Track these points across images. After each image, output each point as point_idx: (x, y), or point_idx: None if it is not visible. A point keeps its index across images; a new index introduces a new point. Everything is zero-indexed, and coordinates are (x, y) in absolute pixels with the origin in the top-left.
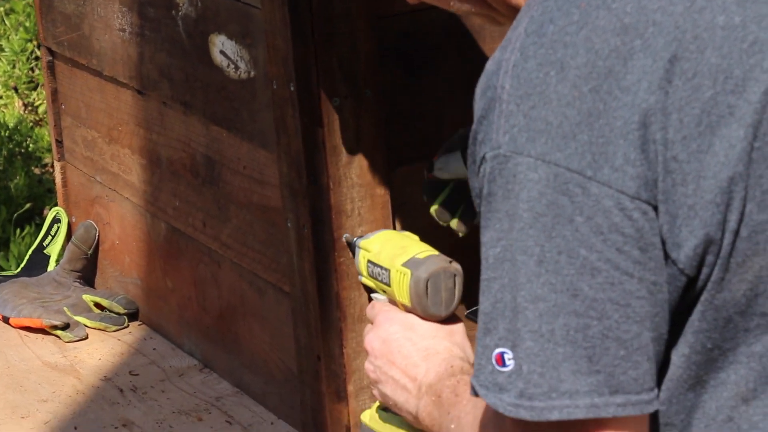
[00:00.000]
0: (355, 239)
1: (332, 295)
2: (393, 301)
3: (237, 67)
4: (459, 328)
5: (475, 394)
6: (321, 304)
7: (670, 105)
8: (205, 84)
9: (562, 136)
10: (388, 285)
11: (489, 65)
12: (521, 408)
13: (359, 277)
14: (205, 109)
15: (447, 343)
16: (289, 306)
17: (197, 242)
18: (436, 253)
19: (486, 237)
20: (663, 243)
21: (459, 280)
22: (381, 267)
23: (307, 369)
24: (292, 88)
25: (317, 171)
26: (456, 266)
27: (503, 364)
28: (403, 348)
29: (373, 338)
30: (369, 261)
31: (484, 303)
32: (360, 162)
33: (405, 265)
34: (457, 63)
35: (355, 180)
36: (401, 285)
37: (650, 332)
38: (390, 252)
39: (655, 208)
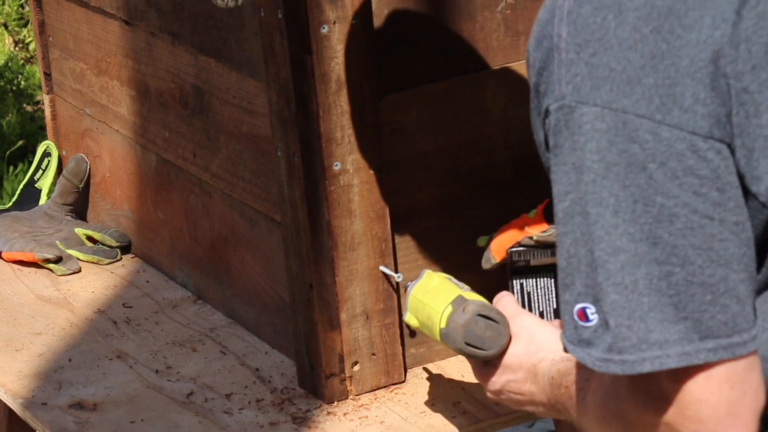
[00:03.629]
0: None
1: (323, 223)
2: None
3: None
4: (526, 329)
5: (567, 350)
6: (312, 232)
7: (737, 36)
8: (192, 13)
9: (627, 82)
10: None
11: (541, 14)
12: (611, 362)
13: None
14: (193, 39)
15: (532, 359)
16: (281, 235)
17: (188, 173)
18: (451, 307)
19: (554, 191)
20: (741, 178)
21: (486, 311)
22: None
23: (300, 298)
24: (279, 16)
25: (306, 99)
26: (472, 307)
27: (586, 319)
28: (511, 389)
29: (489, 395)
30: (420, 331)
31: (559, 258)
32: (349, 89)
33: (442, 339)
34: None
35: (344, 107)
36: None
37: (738, 273)
38: (424, 325)
39: (729, 146)
